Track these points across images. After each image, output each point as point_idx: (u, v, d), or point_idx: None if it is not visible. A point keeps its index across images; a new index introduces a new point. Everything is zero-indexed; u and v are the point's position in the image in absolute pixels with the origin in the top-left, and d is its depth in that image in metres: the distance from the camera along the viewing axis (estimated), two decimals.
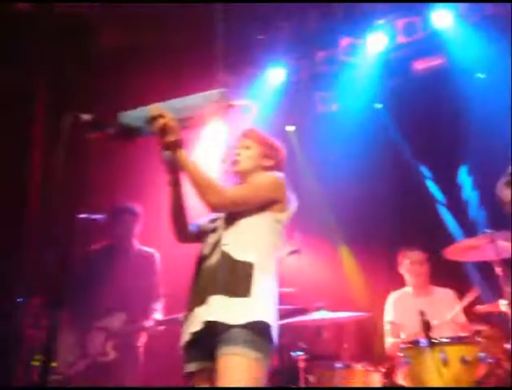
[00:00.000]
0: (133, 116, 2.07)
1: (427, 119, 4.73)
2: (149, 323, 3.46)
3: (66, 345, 3.24)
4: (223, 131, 4.36)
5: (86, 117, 1.89)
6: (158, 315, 3.53)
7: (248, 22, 5.12)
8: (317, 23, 5.04)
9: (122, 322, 3.47)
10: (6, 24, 3.93)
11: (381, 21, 4.87)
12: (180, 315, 3.41)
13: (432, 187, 4.66)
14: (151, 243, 3.80)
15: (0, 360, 3.24)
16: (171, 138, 1.96)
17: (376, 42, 4.81)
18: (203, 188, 1.95)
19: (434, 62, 4.86)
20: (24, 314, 3.15)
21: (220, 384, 1.82)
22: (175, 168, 2.07)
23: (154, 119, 1.97)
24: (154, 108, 1.99)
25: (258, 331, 1.86)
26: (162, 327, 3.51)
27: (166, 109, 2.00)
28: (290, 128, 5.28)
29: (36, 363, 3.32)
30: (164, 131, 1.96)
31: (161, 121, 1.96)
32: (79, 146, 1.90)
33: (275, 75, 5.23)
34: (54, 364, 3.15)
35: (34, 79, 4.10)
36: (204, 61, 5.06)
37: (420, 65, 4.91)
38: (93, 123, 1.90)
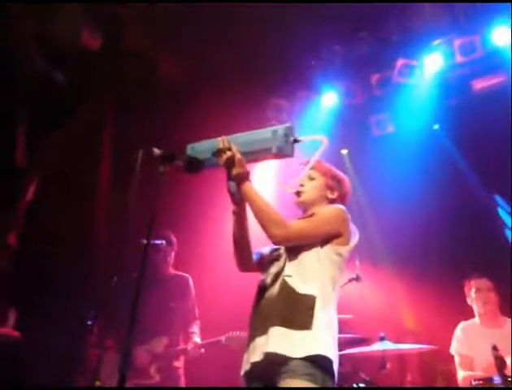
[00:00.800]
0: (200, 149, 2.14)
1: (486, 139, 4.56)
2: (190, 346, 3.56)
3: (110, 368, 3.31)
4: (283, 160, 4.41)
5: (157, 151, 1.97)
6: (197, 338, 3.63)
7: (300, 46, 5.17)
8: (371, 45, 5.02)
9: (164, 345, 3.58)
10: (74, 61, 4.18)
11: (437, 41, 4.80)
12: (222, 337, 3.49)
13: (499, 211, 4.47)
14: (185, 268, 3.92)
15: (65, 378, 3.37)
16: (237, 171, 2.01)
17: (433, 62, 4.74)
18: (267, 221, 1.98)
19: (494, 80, 4.71)
20: (90, 334, 3.27)
21: None
22: (239, 199, 2.10)
23: (221, 151, 2.03)
24: (220, 141, 2.05)
25: (318, 364, 1.85)
26: (202, 350, 3.60)
27: (232, 142, 2.04)
28: (344, 152, 5.25)
29: (99, 383, 3.43)
30: (231, 163, 2.01)
31: (228, 154, 2.01)
32: (150, 179, 1.98)
33: (328, 99, 5.24)
34: (98, 383, 3.26)
35: (102, 111, 4.33)
36: (258, 86, 5.16)
37: (479, 84, 4.77)
38: (163, 157, 1.97)
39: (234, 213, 2.13)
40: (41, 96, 4.06)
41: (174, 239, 3.82)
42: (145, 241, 1.87)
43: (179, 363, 3.61)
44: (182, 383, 3.58)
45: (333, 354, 1.91)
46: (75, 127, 4.14)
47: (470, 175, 4.67)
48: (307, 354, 1.84)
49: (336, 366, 1.91)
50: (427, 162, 4.70)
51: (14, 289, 3.39)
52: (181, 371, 3.61)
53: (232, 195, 2.11)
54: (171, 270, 3.84)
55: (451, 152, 4.83)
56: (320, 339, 1.89)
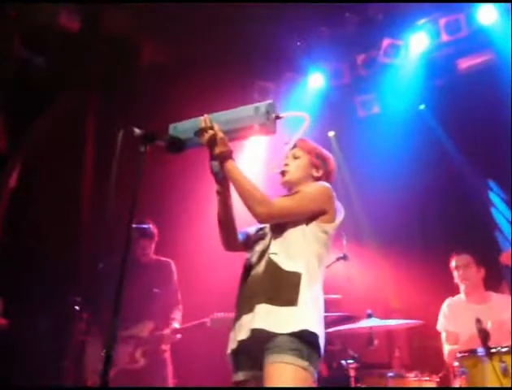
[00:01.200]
0: (182, 128, 2.11)
1: (472, 118, 4.58)
2: (166, 332, 3.60)
3: (94, 354, 3.32)
4: (268, 140, 4.41)
5: (138, 131, 1.93)
6: (176, 324, 3.66)
7: (286, 28, 5.12)
8: (356, 26, 4.99)
9: (149, 330, 3.61)
10: (54, 46, 4.10)
11: (422, 20, 4.78)
12: (206, 319, 3.52)
13: (488, 192, 4.51)
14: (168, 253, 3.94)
15: (54, 363, 3.37)
16: (220, 149, 1.99)
17: (419, 42, 4.72)
18: (251, 199, 1.97)
19: (479, 59, 4.70)
20: (79, 321, 3.27)
21: None
22: (222, 178, 2.09)
23: (203, 130, 2.00)
24: (202, 120, 2.02)
25: (304, 339, 1.85)
26: (178, 336, 3.65)
27: (214, 121, 2.02)
28: (331, 133, 5.24)
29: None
30: (213, 142, 1.99)
31: (210, 133, 1.99)
32: (129, 161, 1.95)
33: (314, 80, 5.22)
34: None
35: (84, 97, 4.27)
36: (243, 68, 5.11)
37: (465, 63, 4.76)
38: (144, 137, 1.94)
39: (218, 192, 2.12)
40: (21, 81, 3.98)
41: (154, 230, 3.82)
42: (131, 225, 1.84)
43: (165, 347, 3.64)
44: (168, 367, 3.61)
45: (319, 330, 1.91)
46: (57, 111, 4.08)
47: (456, 155, 4.69)
48: (293, 330, 1.85)
49: (322, 341, 1.92)
50: (412, 143, 4.72)
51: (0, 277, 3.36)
52: (167, 355, 3.65)
53: (215, 174, 2.09)
54: (153, 256, 3.85)
55: (437, 132, 4.85)
56: (306, 315, 1.90)
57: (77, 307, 3.06)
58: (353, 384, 3.09)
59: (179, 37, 4.97)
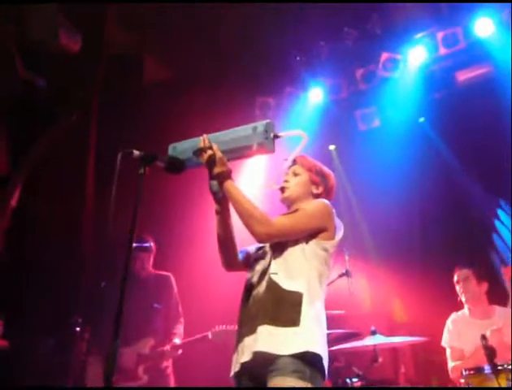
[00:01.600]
0: (182, 148, 2.12)
1: (472, 130, 4.58)
2: (167, 348, 3.59)
3: (96, 372, 3.29)
4: (267, 158, 4.42)
5: (137, 153, 1.94)
6: (177, 339, 3.65)
7: (286, 43, 5.17)
8: (355, 40, 5.03)
9: (151, 346, 3.60)
10: (55, 66, 4.13)
11: (420, 34, 4.82)
12: (208, 333, 3.49)
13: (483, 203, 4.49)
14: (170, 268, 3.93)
15: (55, 383, 3.34)
16: (219, 169, 1.99)
17: (417, 56, 4.76)
18: (251, 219, 1.96)
19: (477, 71, 4.73)
20: (80, 341, 3.25)
21: None
22: (221, 198, 2.08)
23: (202, 150, 2.01)
24: (201, 140, 2.03)
25: (306, 361, 1.83)
26: (179, 351, 3.63)
27: (213, 141, 2.03)
28: (332, 147, 5.26)
29: None
30: (212, 162, 1.99)
31: (209, 152, 1.99)
32: (131, 181, 1.95)
33: (314, 95, 5.24)
34: None
35: (86, 117, 4.29)
36: (244, 84, 5.15)
37: (463, 75, 4.79)
38: (143, 159, 1.94)
39: (217, 212, 2.11)
40: (23, 101, 4.01)
41: (151, 245, 3.82)
42: (131, 246, 1.83)
43: (167, 362, 3.63)
44: (171, 383, 3.59)
45: (322, 350, 1.89)
46: (58, 132, 4.10)
47: (456, 167, 4.69)
48: (295, 351, 1.83)
49: (325, 362, 1.90)
50: (413, 155, 4.72)
51: (1, 296, 3.35)
52: (170, 371, 3.64)
53: (214, 194, 2.09)
54: (152, 271, 3.84)
55: (437, 144, 4.85)
56: (308, 335, 1.88)
57: (78, 328, 3.05)
58: None
59: (180, 54, 5.02)
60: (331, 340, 3.11)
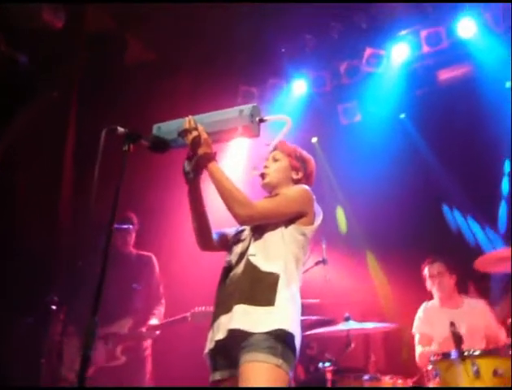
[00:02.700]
0: (167, 129, 2.12)
1: (451, 127, 4.69)
2: (143, 329, 3.59)
3: (71, 352, 3.29)
4: (249, 143, 4.45)
5: (121, 130, 1.94)
6: (155, 320, 3.64)
7: (271, 34, 5.18)
8: (340, 34, 5.07)
9: (130, 326, 3.60)
10: (38, 42, 4.07)
11: (404, 32, 4.89)
12: (187, 314, 3.50)
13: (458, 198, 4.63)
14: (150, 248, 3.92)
15: (30, 365, 3.33)
16: (203, 150, 2.01)
17: (400, 52, 4.83)
18: (233, 201, 1.99)
19: (458, 71, 4.83)
20: (55, 321, 3.23)
21: None
22: (192, 178, 2.10)
23: (187, 131, 2.02)
24: (187, 121, 2.04)
25: (280, 338, 1.87)
26: (157, 332, 3.62)
27: (199, 122, 2.04)
28: (314, 140, 5.31)
29: None
30: (197, 143, 2.01)
31: (194, 134, 2.01)
32: (112, 159, 1.95)
33: (298, 87, 5.28)
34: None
35: (67, 94, 4.24)
36: (228, 72, 5.14)
37: (444, 74, 4.89)
38: (127, 136, 1.94)
39: (189, 192, 2.13)
40: (3, 77, 3.94)
41: (135, 219, 3.79)
42: (113, 226, 1.82)
43: (147, 344, 3.62)
44: (148, 365, 3.60)
45: (295, 329, 1.93)
46: (38, 108, 4.04)
47: (434, 163, 4.80)
48: (268, 329, 1.87)
49: (298, 341, 1.94)
50: (393, 150, 4.80)
51: None
52: (148, 353, 3.63)
53: (186, 174, 2.10)
54: (133, 250, 3.82)
55: (416, 140, 4.95)
56: (283, 314, 1.92)
57: (54, 306, 3.03)
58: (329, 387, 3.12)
59: (165, 37, 4.98)
60: (306, 327, 3.18)
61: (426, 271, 3.61)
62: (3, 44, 3.96)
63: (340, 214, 4.98)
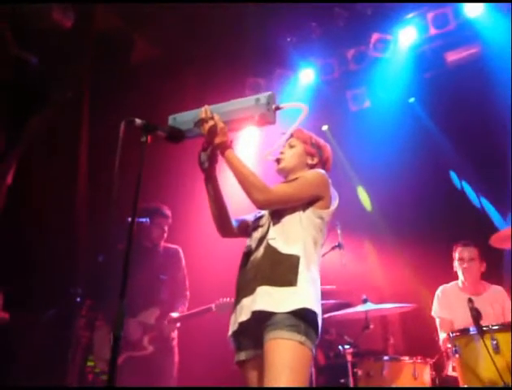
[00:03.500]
0: (182, 119, 2.17)
1: (461, 109, 4.68)
2: (164, 323, 3.60)
3: (102, 342, 3.35)
4: (261, 131, 4.48)
5: (139, 121, 1.98)
6: (175, 313, 3.66)
7: (276, 24, 5.18)
8: (345, 21, 5.06)
9: (156, 317, 3.62)
10: (47, 42, 4.12)
11: (411, 15, 4.87)
12: (212, 305, 3.53)
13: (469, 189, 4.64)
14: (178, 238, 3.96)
15: (56, 360, 3.40)
16: (220, 139, 2.06)
17: (407, 36, 4.82)
18: (251, 186, 2.03)
19: (466, 52, 4.80)
20: (78, 315, 3.30)
21: (267, 369, 1.87)
22: (207, 168, 2.16)
23: (203, 121, 2.07)
24: (203, 111, 2.08)
25: (302, 316, 1.91)
26: (178, 324, 3.66)
27: (214, 111, 2.08)
28: (325, 127, 5.32)
29: (92, 363, 3.48)
30: (214, 132, 2.05)
31: (210, 123, 2.05)
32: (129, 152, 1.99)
33: (305, 76, 5.29)
34: (91, 363, 3.31)
35: (78, 94, 4.30)
36: (235, 65, 5.16)
37: (452, 56, 4.86)
38: (145, 127, 1.99)
39: (205, 182, 2.19)
40: (15, 79, 4.01)
41: (168, 212, 3.83)
42: (129, 219, 1.85)
43: (173, 334, 3.65)
44: (175, 355, 3.62)
45: (317, 308, 1.98)
46: (52, 109, 4.11)
47: (446, 146, 4.79)
48: (291, 308, 1.92)
49: (319, 319, 1.99)
50: (403, 135, 4.79)
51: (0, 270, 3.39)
52: (175, 343, 3.65)
53: (202, 164, 2.16)
54: (162, 243, 3.86)
55: (427, 124, 4.94)
56: (305, 294, 1.97)
57: (78, 298, 3.10)
58: (350, 369, 3.17)
59: (171, 34, 5.01)
60: (324, 311, 3.20)
61: (457, 253, 3.55)
62: (14, 45, 4.02)
63: (362, 193, 4.98)
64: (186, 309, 3.74)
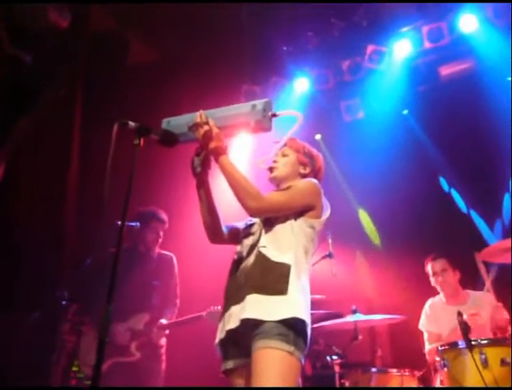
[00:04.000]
0: (176, 123, 2.15)
1: (454, 123, 4.72)
2: (154, 329, 3.56)
3: (88, 347, 3.28)
4: (255, 139, 4.47)
5: (132, 124, 1.96)
6: (163, 320, 3.62)
7: (273, 32, 5.20)
8: (342, 32, 5.10)
9: (145, 322, 3.57)
10: (42, 41, 4.09)
11: (406, 28, 4.91)
12: (203, 313, 3.50)
13: (457, 194, 4.67)
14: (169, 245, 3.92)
15: (40, 364, 3.34)
16: (215, 144, 2.04)
17: (402, 49, 4.86)
18: (244, 193, 2.02)
19: (460, 66, 4.85)
20: (64, 320, 3.25)
21: (255, 378, 1.84)
22: (200, 173, 2.15)
23: (198, 125, 2.05)
24: (198, 115, 2.07)
25: (291, 326, 1.89)
26: (166, 331, 3.62)
27: (209, 117, 2.07)
28: (318, 137, 5.33)
29: (76, 368, 3.42)
30: (208, 137, 2.03)
31: (205, 128, 2.04)
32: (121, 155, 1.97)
33: (300, 85, 5.30)
34: (75, 369, 3.25)
35: (71, 93, 4.27)
36: (230, 72, 5.17)
37: (446, 70, 4.91)
38: (138, 130, 1.97)
39: (197, 187, 2.18)
40: (8, 77, 3.97)
41: (165, 217, 3.79)
42: (119, 222, 1.82)
43: (162, 341, 3.61)
44: (162, 363, 3.57)
45: (306, 317, 1.96)
46: (44, 108, 4.07)
47: (437, 159, 4.82)
48: (281, 317, 1.90)
49: (309, 329, 1.97)
50: (396, 147, 4.82)
51: None
52: (163, 350, 3.59)
53: (194, 169, 2.15)
54: (156, 249, 3.82)
55: (420, 136, 4.97)
56: (295, 303, 1.95)
57: (64, 302, 3.05)
58: (337, 380, 3.15)
59: (167, 37, 5.01)
60: (313, 321, 3.19)
61: (429, 268, 3.59)
62: (8, 44, 3.99)
63: (364, 217, 4.92)
64: (174, 317, 3.70)
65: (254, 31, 5.13)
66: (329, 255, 3.34)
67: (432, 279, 3.59)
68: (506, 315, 3.34)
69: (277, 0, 4.85)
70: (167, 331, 3.64)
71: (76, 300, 3.26)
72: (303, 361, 1.94)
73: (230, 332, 1.99)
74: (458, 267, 3.59)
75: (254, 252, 2.07)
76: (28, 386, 3.27)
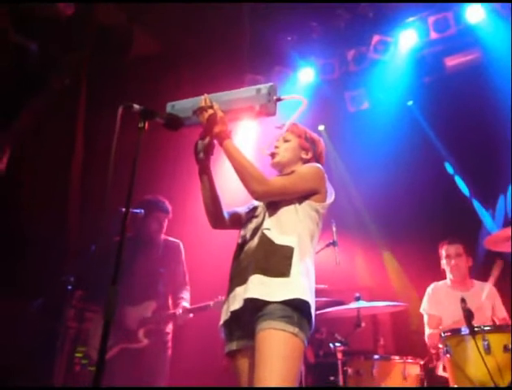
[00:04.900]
0: (181, 107, 2.15)
1: (459, 114, 4.69)
2: (178, 311, 3.55)
3: (98, 333, 3.31)
4: (259, 125, 4.47)
5: (137, 107, 1.96)
6: (186, 303, 3.63)
7: (277, 22, 5.18)
8: (347, 22, 5.07)
9: (153, 309, 3.57)
10: (47, 29, 4.10)
11: (412, 18, 4.88)
12: (210, 302, 3.51)
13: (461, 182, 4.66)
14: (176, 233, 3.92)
15: (44, 350, 3.36)
16: (219, 128, 2.04)
17: (408, 39, 4.83)
18: (249, 177, 2.02)
19: (466, 57, 4.82)
20: (68, 306, 3.26)
21: (258, 359, 1.85)
22: (202, 158, 2.15)
23: (202, 109, 2.05)
24: (203, 99, 2.07)
25: (295, 307, 1.89)
26: (191, 315, 3.61)
27: (214, 100, 2.07)
28: (321, 127, 5.32)
29: (80, 355, 3.45)
30: (213, 121, 2.04)
31: (210, 112, 2.04)
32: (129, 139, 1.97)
33: (305, 75, 5.29)
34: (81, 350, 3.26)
35: (75, 82, 4.28)
36: (234, 61, 5.16)
37: (452, 61, 4.88)
38: (143, 113, 1.97)
39: (199, 172, 2.19)
40: (13, 66, 3.98)
41: (168, 206, 3.78)
42: (123, 209, 1.80)
43: (168, 328, 3.61)
44: (168, 350, 3.57)
45: (310, 299, 1.97)
46: (49, 97, 4.08)
47: (442, 150, 4.81)
48: (285, 298, 1.90)
49: (313, 310, 1.98)
50: (401, 138, 4.80)
51: None
52: (170, 337, 3.59)
53: (197, 154, 2.15)
54: (162, 236, 3.81)
55: (424, 127, 4.96)
56: (298, 284, 1.95)
57: (70, 286, 3.06)
58: (340, 367, 3.16)
59: (171, 28, 5.00)
60: (316, 308, 3.20)
61: (443, 251, 3.61)
62: (13, 32, 4.00)
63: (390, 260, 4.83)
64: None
65: (259, 20, 5.11)
66: (333, 243, 3.34)
67: (444, 261, 3.60)
68: (504, 313, 3.36)
69: None
70: (191, 315, 3.60)
71: (81, 286, 3.28)
72: (306, 343, 1.94)
73: (234, 313, 2.00)
74: (472, 256, 3.60)
75: (258, 234, 2.08)
76: (28, 386, 3.28)
